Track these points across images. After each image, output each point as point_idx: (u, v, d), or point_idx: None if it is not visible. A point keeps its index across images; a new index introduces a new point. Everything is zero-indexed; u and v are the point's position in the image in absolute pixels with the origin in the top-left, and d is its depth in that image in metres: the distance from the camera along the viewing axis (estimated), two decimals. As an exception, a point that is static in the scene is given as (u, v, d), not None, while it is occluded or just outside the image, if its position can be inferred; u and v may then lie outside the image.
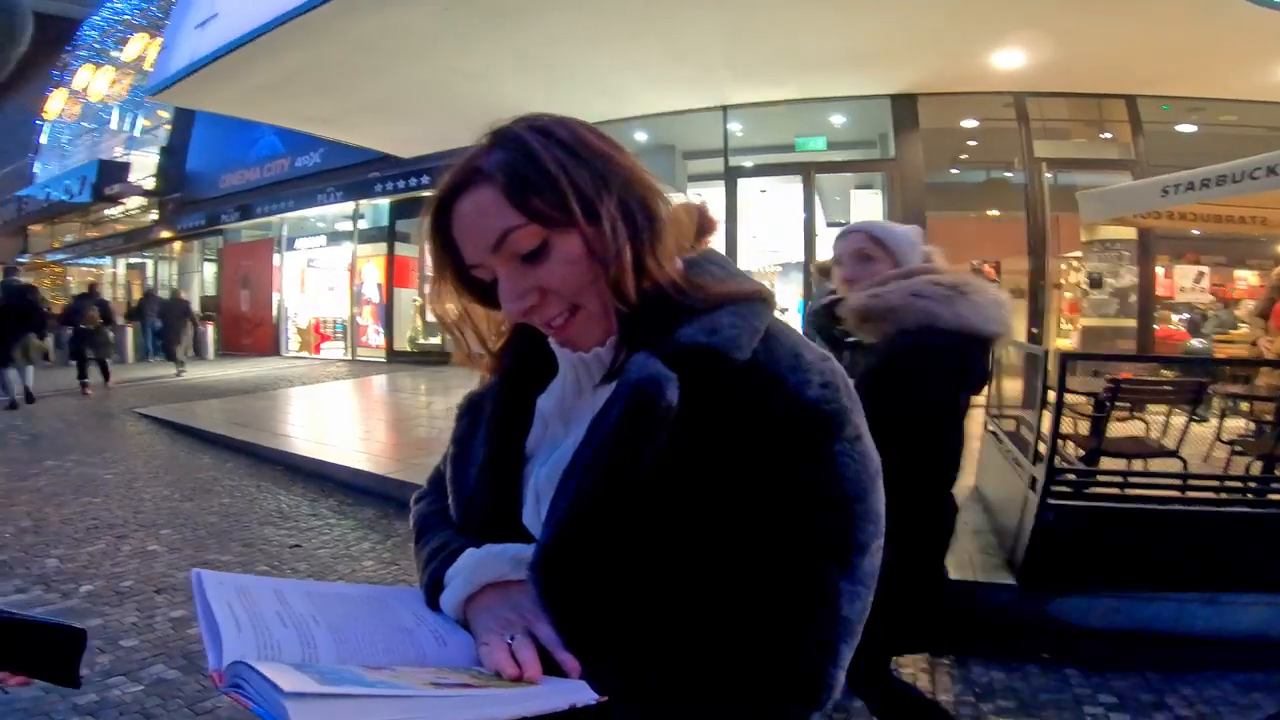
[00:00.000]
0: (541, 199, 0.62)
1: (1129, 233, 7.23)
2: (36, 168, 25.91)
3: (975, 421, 5.56)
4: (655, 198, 0.66)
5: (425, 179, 12.02)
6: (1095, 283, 7.65)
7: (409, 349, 13.34)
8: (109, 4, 23.21)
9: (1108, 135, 8.13)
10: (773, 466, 0.60)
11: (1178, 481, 3.08)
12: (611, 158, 0.65)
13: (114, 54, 22.39)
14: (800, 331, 0.70)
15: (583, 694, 0.57)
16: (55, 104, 25.48)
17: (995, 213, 9.01)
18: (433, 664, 0.61)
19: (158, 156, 19.22)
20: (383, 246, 13.75)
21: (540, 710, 0.54)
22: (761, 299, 0.67)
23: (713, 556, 0.61)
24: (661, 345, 0.62)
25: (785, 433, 0.60)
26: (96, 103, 22.93)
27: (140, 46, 20.36)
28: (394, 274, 13.48)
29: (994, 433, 4.14)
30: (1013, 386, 4.90)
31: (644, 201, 0.65)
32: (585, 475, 0.61)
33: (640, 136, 9.32)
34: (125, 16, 21.84)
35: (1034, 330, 7.70)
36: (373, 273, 14.06)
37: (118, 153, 20.72)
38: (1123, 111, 7.65)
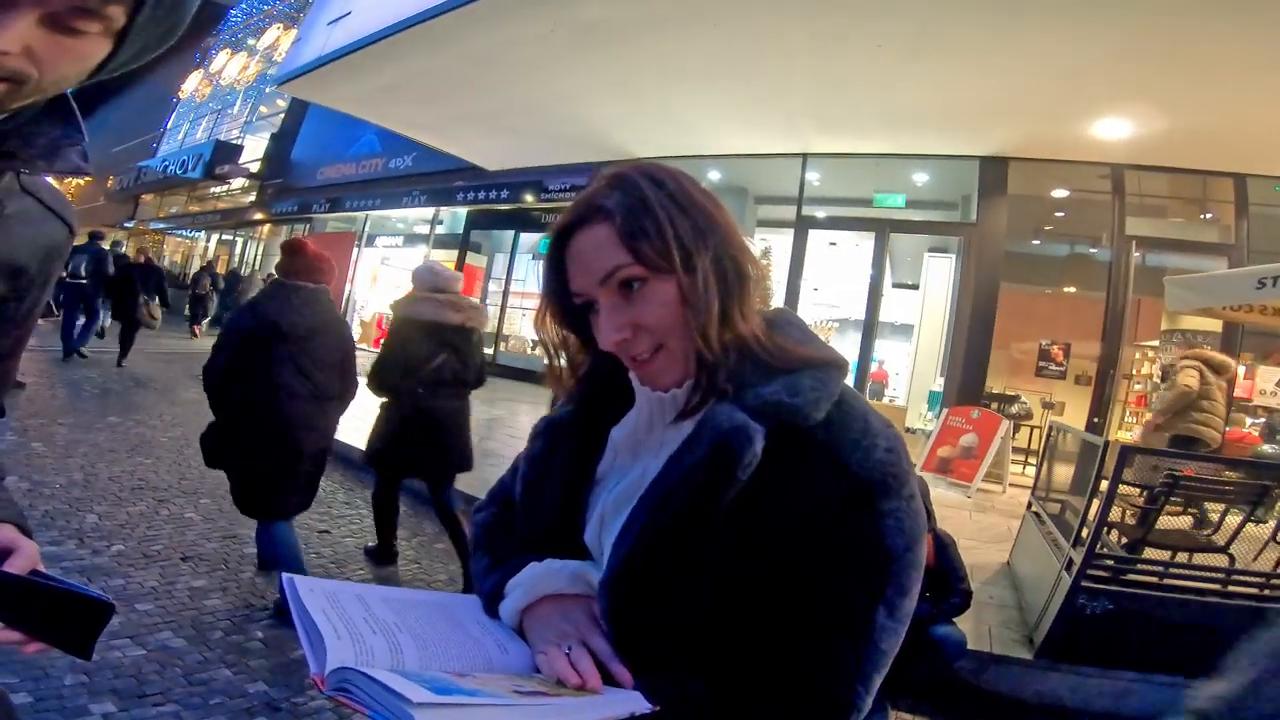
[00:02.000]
0: (650, 244, 0.69)
1: (1213, 324, 6.79)
2: (163, 143, 27.91)
3: (1018, 501, 5.41)
4: (746, 257, 0.73)
5: (505, 192, 12.41)
6: (1165, 376, 7.20)
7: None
8: None
9: (1209, 215, 7.66)
10: (838, 519, 0.67)
11: (1220, 575, 3.03)
12: (711, 214, 0.72)
13: (250, 42, 24.07)
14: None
15: (638, 704, 0.63)
16: (190, 84, 27.49)
17: (1072, 290, 8.62)
18: (499, 670, 0.67)
19: (267, 142, 20.46)
20: (454, 253, 14.20)
21: (607, 717, 0.61)
22: (838, 366, 0.74)
23: (769, 589, 0.68)
24: (746, 398, 0.70)
25: (852, 490, 0.67)
26: (225, 86, 24.60)
27: (275, 36, 21.84)
28: (466, 283, 13.84)
29: (1036, 513, 4.10)
30: (1063, 472, 4.75)
31: (736, 260, 0.72)
32: (662, 506, 0.68)
33: (714, 175, 9.36)
34: (266, 7, 23.52)
35: (1095, 420, 7.30)
36: (441, 274, 14.49)
37: (234, 135, 22.16)
38: (1229, 191, 7.17)
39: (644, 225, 0.69)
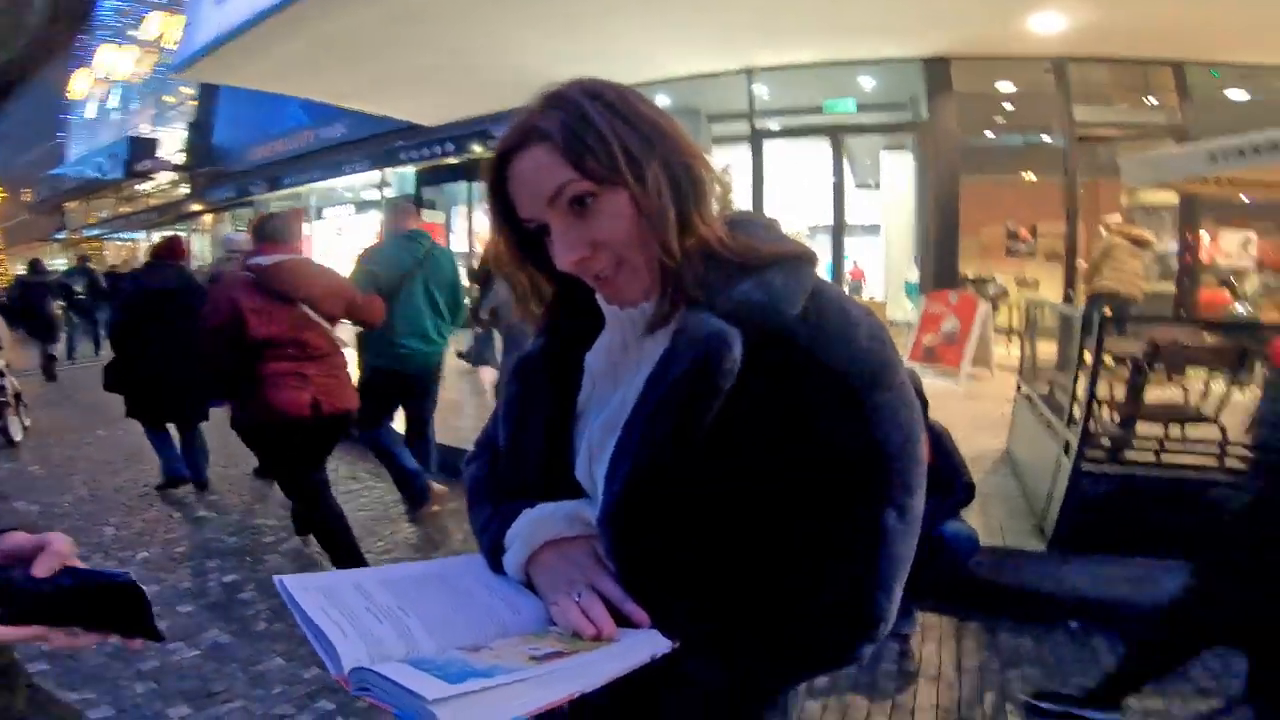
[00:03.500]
0: (594, 158, 0.65)
1: (1170, 198, 7.01)
2: (68, 143, 26.38)
3: (1007, 384, 5.48)
4: (698, 161, 0.69)
5: (450, 146, 12.02)
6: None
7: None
8: None
9: (1153, 101, 7.83)
10: (829, 416, 0.65)
11: (1215, 449, 3.01)
12: (657, 123, 0.68)
13: (132, 33, 22.55)
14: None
15: (659, 643, 0.62)
16: (80, 84, 25.83)
17: (1032, 177, 8.78)
18: (514, 632, 0.65)
19: (185, 132, 19.46)
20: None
21: (632, 665, 0.59)
22: (807, 259, 0.71)
23: (772, 503, 0.65)
24: (717, 303, 0.66)
25: (839, 384, 0.65)
26: (122, 81, 23.19)
27: (159, 24, 20.48)
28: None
29: (1027, 396, 4.09)
30: (1046, 349, 4.83)
31: (687, 165, 0.68)
32: (649, 429, 0.66)
33: (664, 100, 9.16)
34: None
35: (1069, 292, 7.55)
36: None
37: (145, 130, 21.01)
38: (1169, 79, 7.38)
39: (586, 139, 0.65)
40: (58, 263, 23.10)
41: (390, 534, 3.76)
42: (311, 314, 2.89)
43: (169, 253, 4.24)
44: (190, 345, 3.05)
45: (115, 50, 23.85)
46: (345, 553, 2.97)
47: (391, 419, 3.83)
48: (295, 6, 6.85)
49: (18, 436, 5.50)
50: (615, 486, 0.67)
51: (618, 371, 0.74)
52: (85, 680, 2.30)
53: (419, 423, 3.95)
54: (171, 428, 4.37)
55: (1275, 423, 1.66)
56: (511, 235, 0.73)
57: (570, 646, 0.61)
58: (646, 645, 0.61)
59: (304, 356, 2.84)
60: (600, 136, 0.65)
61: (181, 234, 21.50)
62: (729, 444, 0.65)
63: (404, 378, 3.69)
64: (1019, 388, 4.40)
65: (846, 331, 0.66)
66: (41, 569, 0.67)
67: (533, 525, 0.72)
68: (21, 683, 0.84)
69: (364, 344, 3.64)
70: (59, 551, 0.69)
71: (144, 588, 0.68)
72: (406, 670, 0.54)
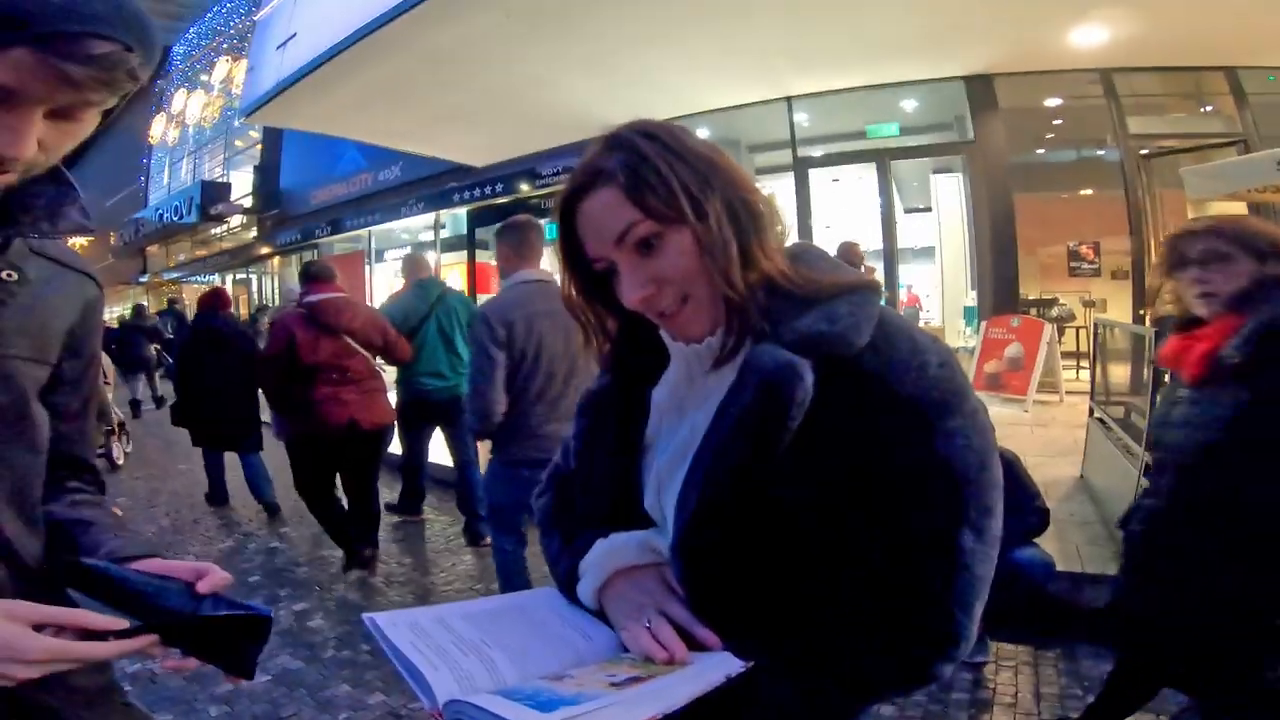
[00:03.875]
0: (657, 197, 0.68)
1: (1239, 208, 6.72)
2: (150, 188, 28.03)
3: (1077, 410, 5.38)
4: (754, 194, 0.72)
5: (499, 186, 12.36)
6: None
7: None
8: (191, 30, 24.94)
9: (1209, 109, 7.60)
10: (902, 443, 0.66)
11: None
12: (711, 159, 0.71)
13: (203, 77, 23.96)
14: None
15: (732, 664, 0.64)
16: (158, 128, 27.56)
17: (1089, 191, 8.55)
18: (590, 661, 0.68)
19: (253, 175, 20.49)
20: (463, 254, 14.23)
21: (708, 686, 0.61)
22: (872, 288, 0.72)
23: (846, 528, 0.67)
24: (784, 335, 0.68)
25: (912, 411, 0.65)
26: (193, 127, 24.57)
27: (225, 69, 21.74)
28: (476, 280, 13.92)
29: (1100, 420, 3.97)
30: (1118, 372, 4.68)
31: (745, 199, 0.71)
32: (718, 459, 0.67)
33: (704, 132, 9.23)
34: (206, 41, 23.41)
35: (1140, 312, 7.26)
36: (455, 280, 14.59)
37: (217, 173, 22.20)
38: (1223, 84, 7.16)
39: (648, 179, 0.68)
40: (139, 304, 24.56)
41: (451, 565, 3.88)
42: (352, 343, 3.39)
43: (213, 301, 4.83)
44: (238, 380, 4.15)
45: (187, 95, 25.29)
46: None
47: (425, 444, 4.36)
48: (350, 51, 7.23)
49: (120, 460, 6.27)
50: (684, 515, 0.69)
51: (684, 405, 0.76)
52: (163, 701, 2.43)
53: (454, 450, 4.25)
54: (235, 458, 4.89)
55: (1164, 421, 1.58)
56: (579, 274, 0.76)
57: (646, 671, 0.64)
58: (721, 666, 0.63)
59: (344, 381, 3.35)
60: (660, 176, 0.68)
61: (248, 277, 22.66)
62: (799, 474, 0.66)
63: (429, 407, 4.09)
64: (1091, 412, 4.25)
65: (916, 359, 0.67)
66: (207, 585, 0.76)
67: (605, 555, 0.75)
68: (119, 700, 0.92)
69: (398, 380, 4.11)
70: (223, 578, 0.78)
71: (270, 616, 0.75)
72: (500, 701, 0.57)
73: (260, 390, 3.93)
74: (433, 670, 0.62)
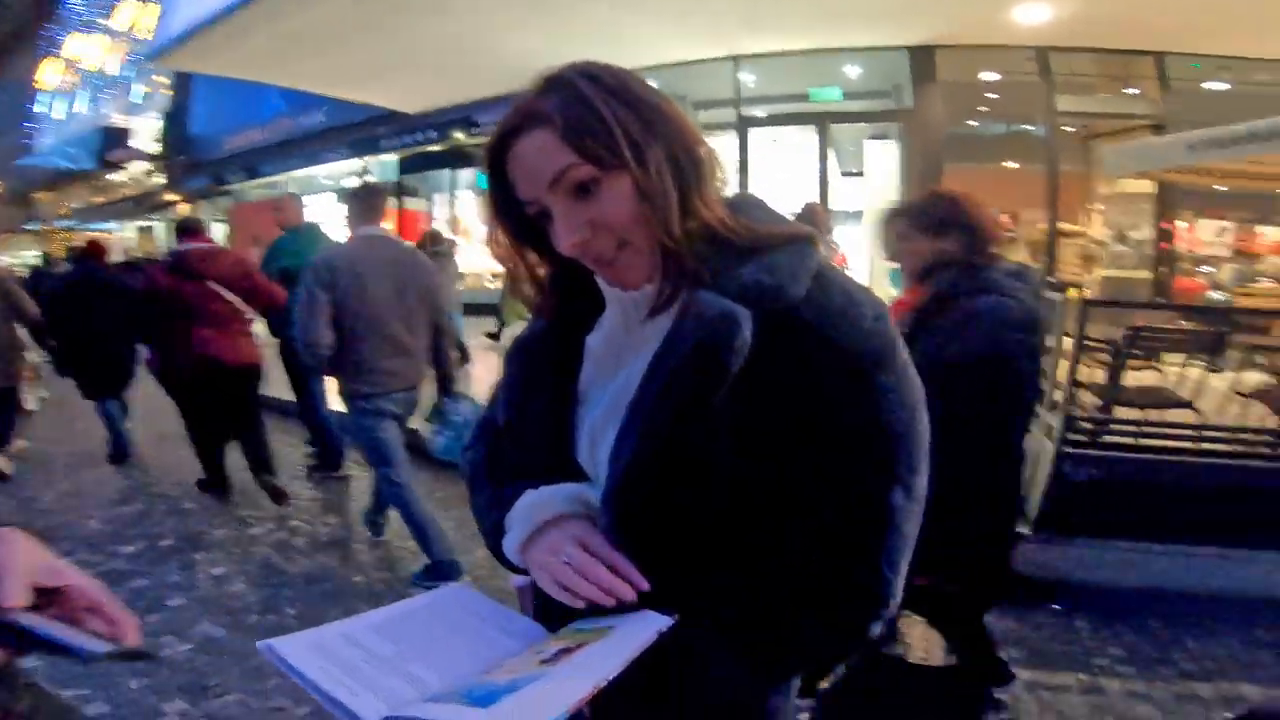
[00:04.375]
0: (595, 140, 0.65)
1: (1148, 186, 7.13)
2: (38, 133, 25.82)
3: None
4: (698, 144, 0.69)
5: (433, 133, 11.89)
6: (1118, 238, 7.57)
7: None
8: None
9: (1133, 91, 7.95)
10: (835, 398, 0.65)
11: (1193, 433, 3.07)
12: (657, 105, 0.68)
13: (102, 22, 22.02)
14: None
15: (659, 620, 0.62)
16: (50, 74, 25.26)
17: (1014, 165, 8.89)
18: (515, 651, 0.66)
19: (160, 122, 19.09)
20: (391, 201, 13.64)
21: (641, 647, 0.59)
22: (809, 239, 0.71)
23: (780, 481, 0.66)
24: (723, 285, 0.66)
25: (847, 363, 0.65)
26: (93, 71, 22.70)
27: (130, 14, 20.03)
28: (403, 228, 13.42)
29: None
30: None
31: (688, 147, 0.68)
32: (655, 408, 0.66)
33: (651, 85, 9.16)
34: None
35: (1050, 280, 7.66)
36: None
37: (118, 119, 20.58)
38: (1150, 69, 7.50)
39: (587, 122, 0.65)
40: (28, 254, 22.59)
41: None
42: (216, 288, 3.68)
43: (90, 253, 4.93)
44: (116, 326, 4.36)
45: (84, 39, 23.28)
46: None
47: (318, 394, 4.36)
48: None
49: (33, 408, 5.61)
50: (618, 467, 0.67)
51: (620, 354, 0.74)
52: (77, 678, 2.26)
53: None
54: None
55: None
56: (509, 219, 0.73)
57: (574, 640, 0.63)
58: (648, 624, 0.62)
59: (205, 322, 3.67)
60: (601, 119, 0.65)
61: (151, 224, 21.26)
62: (735, 424, 0.65)
63: None
64: None
65: (851, 311, 0.66)
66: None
67: (532, 506, 0.72)
68: (21, 681, 0.83)
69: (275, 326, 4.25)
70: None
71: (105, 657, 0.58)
72: (435, 707, 0.55)
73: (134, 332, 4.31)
74: (352, 695, 0.56)
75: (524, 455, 0.77)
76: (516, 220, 0.72)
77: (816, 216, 6.50)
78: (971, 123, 8.92)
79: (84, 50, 23.06)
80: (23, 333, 4.41)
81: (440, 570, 2.88)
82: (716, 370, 0.63)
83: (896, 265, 1.95)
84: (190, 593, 2.94)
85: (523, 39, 7.96)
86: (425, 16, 7.42)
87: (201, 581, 3.05)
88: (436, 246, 6.76)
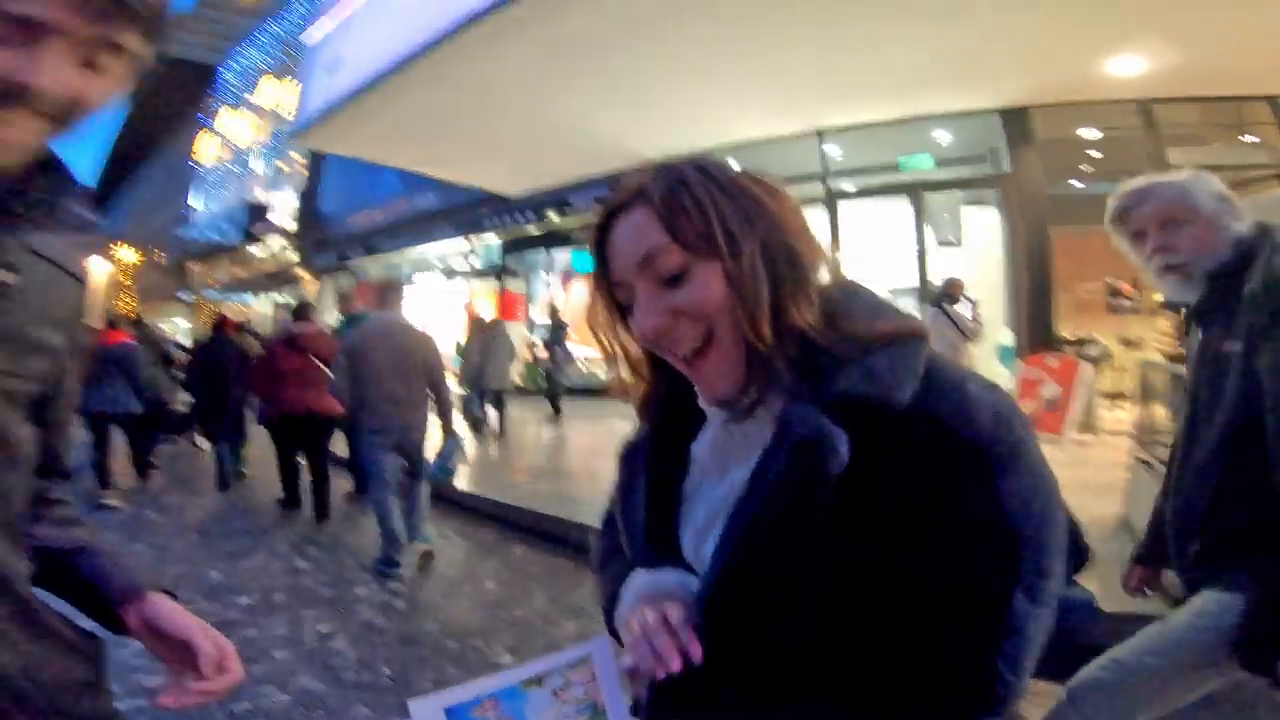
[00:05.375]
0: (690, 224, 0.65)
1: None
2: (194, 205, 28.72)
3: (1115, 449, 5.28)
4: (803, 246, 0.68)
5: (531, 215, 12.58)
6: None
7: (517, 381, 13.85)
8: (241, 51, 25.79)
9: (1253, 139, 7.43)
10: (948, 509, 0.62)
11: None
12: (760, 200, 0.68)
13: (247, 96, 24.64)
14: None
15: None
16: (207, 147, 28.29)
17: (1130, 226, 8.39)
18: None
19: (297, 200, 21.05)
20: (494, 282, 14.35)
21: None
22: (916, 335, 0.66)
23: (889, 587, 0.64)
24: (820, 395, 0.63)
25: (957, 474, 0.62)
26: (244, 148, 25.26)
27: (272, 90, 22.37)
28: (505, 306, 14.02)
29: (1145, 462, 3.90)
30: (1162, 413, 4.56)
31: (790, 246, 0.67)
32: (755, 522, 0.65)
33: (732, 165, 9.31)
34: (257, 62, 24.17)
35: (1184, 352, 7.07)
36: (485, 306, 14.75)
37: (260, 195, 22.83)
38: (1266, 113, 7.02)
39: (684, 204, 0.65)
40: (178, 321, 24.90)
41: (474, 590, 3.87)
42: (314, 360, 5.05)
43: (221, 324, 6.66)
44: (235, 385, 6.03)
45: (233, 114, 25.95)
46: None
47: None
48: (397, 77, 7.47)
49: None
50: (716, 569, 0.67)
51: (724, 460, 0.73)
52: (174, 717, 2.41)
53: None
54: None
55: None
56: (607, 296, 0.73)
57: None
58: None
59: (305, 383, 5.03)
60: (698, 203, 0.66)
61: (285, 298, 23.24)
62: (841, 532, 0.63)
63: None
64: (1135, 453, 4.16)
65: (967, 414, 0.63)
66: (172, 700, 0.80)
67: (644, 584, 0.74)
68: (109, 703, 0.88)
69: None
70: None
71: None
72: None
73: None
74: None
75: (634, 552, 0.79)
76: (613, 299, 0.73)
77: (955, 291, 6.40)
78: (1074, 183, 8.55)
79: (234, 126, 25.75)
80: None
81: (386, 560, 3.97)
82: (811, 494, 0.62)
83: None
84: (295, 647, 3.09)
85: (611, 120, 8.42)
86: (516, 100, 7.95)
87: (307, 636, 3.20)
88: (485, 332, 8.25)
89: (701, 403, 0.73)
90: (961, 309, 6.53)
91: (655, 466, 0.78)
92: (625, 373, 0.78)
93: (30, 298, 0.72)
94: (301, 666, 2.89)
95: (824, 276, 0.71)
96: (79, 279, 0.79)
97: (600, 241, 0.71)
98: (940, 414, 0.62)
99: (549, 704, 0.69)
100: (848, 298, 0.70)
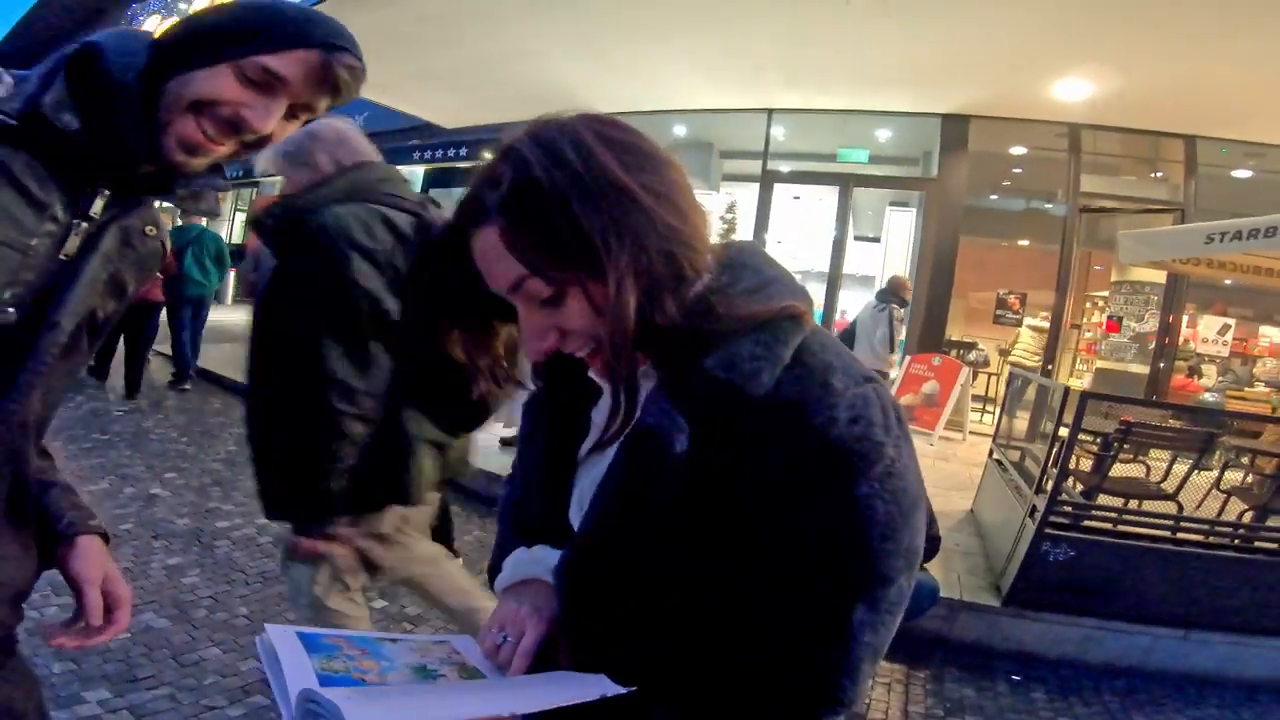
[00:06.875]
0: (543, 253, 0.59)
1: (1158, 276, 7.10)
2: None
3: (977, 449, 5.67)
4: (680, 236, 0.61)
5: (463, 150, 12.09)
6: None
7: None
8: None
9: (1159, 174, 7.92)
10: (793, 506, 0.60)
11: (1170, 522, 3.19)
12: (628, 194, 0.60)
13: (181, 6, 22.56)
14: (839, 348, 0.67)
15: (608, 686, 0.61)
16: None
17: (1027, 243, 8.87)
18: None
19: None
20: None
21: (575, 699, 0.59)
22: (792, 318, 0.63)
23: (730, 582, 0.63)
24: (680, 379, 0.62)
25: (806, 472, 0.60)
26: None
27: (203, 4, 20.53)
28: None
29: (999, 461, 4.24)
30: (1022, 419, 5.00)
31: (664, 249, 0.60)
32: (604, 504, 0.65)
33: (679, 130, 9.26)
34: None
35: (1048, 367, 7.59)
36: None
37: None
38: (1179, 151, 7.41)
39: (533, 229, 0.59)
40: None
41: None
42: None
43: None
44: None
45: (160, 21, 23.85)
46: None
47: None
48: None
49: None
50: (569, 547, 0.68)
51: None
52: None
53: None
54: None
55: None
56: (476, 304, 0.69)
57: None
58: (598, 685, 0.61)
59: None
60: (548, 225, 0.59)
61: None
62: (683, 523, 0.62)
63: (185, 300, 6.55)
64: (991, 452, 4.50)
65: (827, 409, 0.59)
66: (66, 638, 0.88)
67: (518, 564, 0.74)
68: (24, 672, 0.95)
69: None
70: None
71: None
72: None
73: None
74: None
75: (527, 509, 0.79)
76: (483, 303, 0.68)
77: (902, 290, 6.45)
78: (993, 196, 8.93)
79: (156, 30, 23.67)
80: None
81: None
82: (649, 482, 0.61)
83: None
84: (140, 581, 2.89)
85: (560, 68, 8.13)
86: (471, 34, 7.58)
87: (154, 571, 3.01)
88: None
89: (592, 374, 0.70)
90: (901, 313, 6.46)
91: (551, 425, 0.77)
92: (499, 373, 0.74)
93: (136, 252, 0.86)
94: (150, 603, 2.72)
95: (709, 244, 0.65)
96: (165, 244, 0.92)
97: (455, 251, 0.65)
98: (798, 406, 0.60)
99: (408, 654, 0.67)
100: (732, 272, 0.65)
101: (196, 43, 0.76)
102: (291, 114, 0.80)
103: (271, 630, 0.63)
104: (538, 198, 0.59)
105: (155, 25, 23.95)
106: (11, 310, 0.75)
